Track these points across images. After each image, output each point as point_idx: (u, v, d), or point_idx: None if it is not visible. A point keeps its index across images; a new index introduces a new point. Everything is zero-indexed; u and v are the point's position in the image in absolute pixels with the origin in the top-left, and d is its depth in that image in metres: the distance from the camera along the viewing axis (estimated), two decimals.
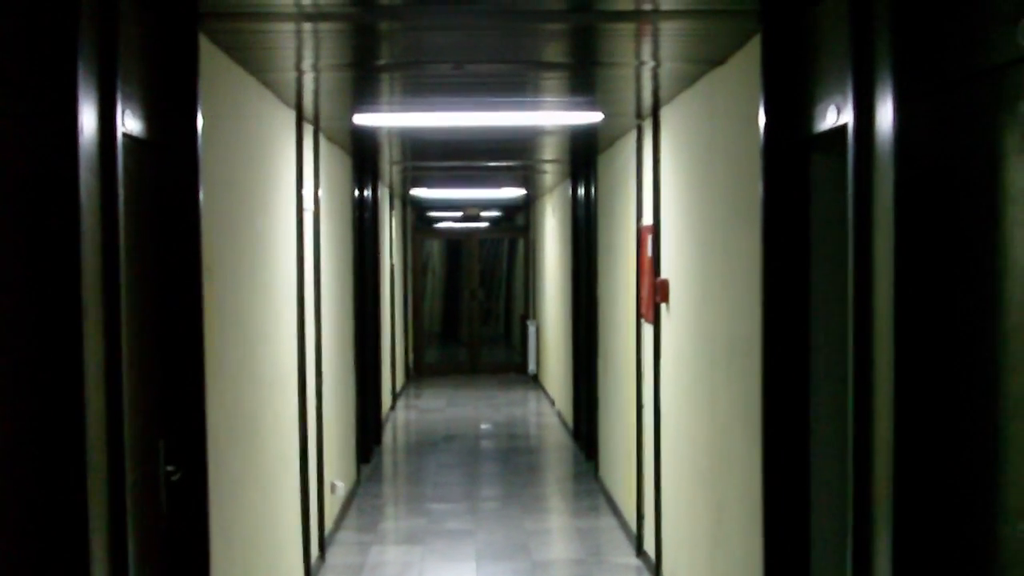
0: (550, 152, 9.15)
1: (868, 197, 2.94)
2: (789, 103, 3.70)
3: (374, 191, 10.58)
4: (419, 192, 13.40)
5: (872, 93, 2.92)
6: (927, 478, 2.70)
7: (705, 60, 4.69)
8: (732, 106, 4.57)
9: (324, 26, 3.98)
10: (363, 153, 8.80)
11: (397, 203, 14.41)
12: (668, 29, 4.16)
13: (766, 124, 3.76)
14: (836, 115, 3.28)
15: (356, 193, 9.22)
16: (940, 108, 2.71)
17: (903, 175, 2.73)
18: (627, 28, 4.17)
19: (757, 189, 3.90)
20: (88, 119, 2.74)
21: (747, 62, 4.25)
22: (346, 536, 7.45)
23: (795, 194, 3.70)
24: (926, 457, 2.70)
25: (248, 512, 4.71)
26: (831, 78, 3.32)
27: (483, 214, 17.56)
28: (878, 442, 2.85)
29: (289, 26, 3.95)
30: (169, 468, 3.58)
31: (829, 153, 3.63)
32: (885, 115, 2.81)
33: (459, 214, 17.27)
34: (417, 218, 17.68)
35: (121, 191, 2.92)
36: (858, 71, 2.99)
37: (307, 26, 3.96)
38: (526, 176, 11.68)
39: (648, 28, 4.16)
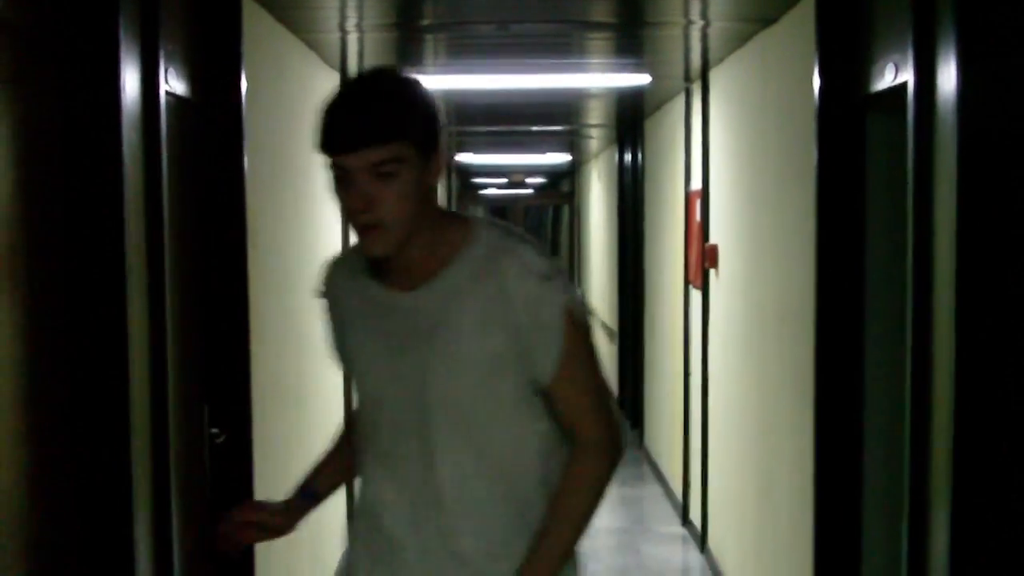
0: (596, 117, 9.04)
1: (929, 159, 2.84)
2: (844, 62, 3.59)
3: None
4: (464, 158, 13.34)
5: (934, 50, 2.81)
6: (988, 452, 2.62)
7: (756, 19, 4.58)
8: (784, 67, 4.45)
9: None
10: None
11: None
12: None
13: (821, 84, 3.66)
14: (895, 74, 3.17)
15: None
16: (1006, 67, 2.60)
17: (966, 136, 2.63)
18: None
19: (810, 152, 3.80)
20: (131, 77, 2.70)
21: (800, 20, 4.14)
22: None
23: (850, 156, 3.60)
24: (987, 430, 2.61)
25: (292, 476, 4.69)
26: (889, 35, 3.21)
27: (528, 180, 17.47)
28: (937, 414, 2.77)
29: None
30: (213, 431, 3.57)
31: (886, 113, 3.52)
32: (948, 73, 2.71)
33: (504, 180, 17.20)
34: (462, 184, 17.63)
35: (165, 151, 2.89)
36: (919, 27, 2.88)
37: None
38: (572, 141, 11.58)
39: None
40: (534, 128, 9.79)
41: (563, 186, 18.04)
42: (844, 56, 3.58)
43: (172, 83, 3.04)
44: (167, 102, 2.97)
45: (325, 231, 5.52)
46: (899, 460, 3.20)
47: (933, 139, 2.82)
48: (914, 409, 2.87)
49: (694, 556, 6.29)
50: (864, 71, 3.44)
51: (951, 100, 2.68)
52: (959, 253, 2.62)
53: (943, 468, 2.71)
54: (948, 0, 2.71)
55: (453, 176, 16.51)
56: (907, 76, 2.97)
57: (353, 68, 5.85)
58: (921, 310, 2.86)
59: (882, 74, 3.27)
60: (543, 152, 12.86)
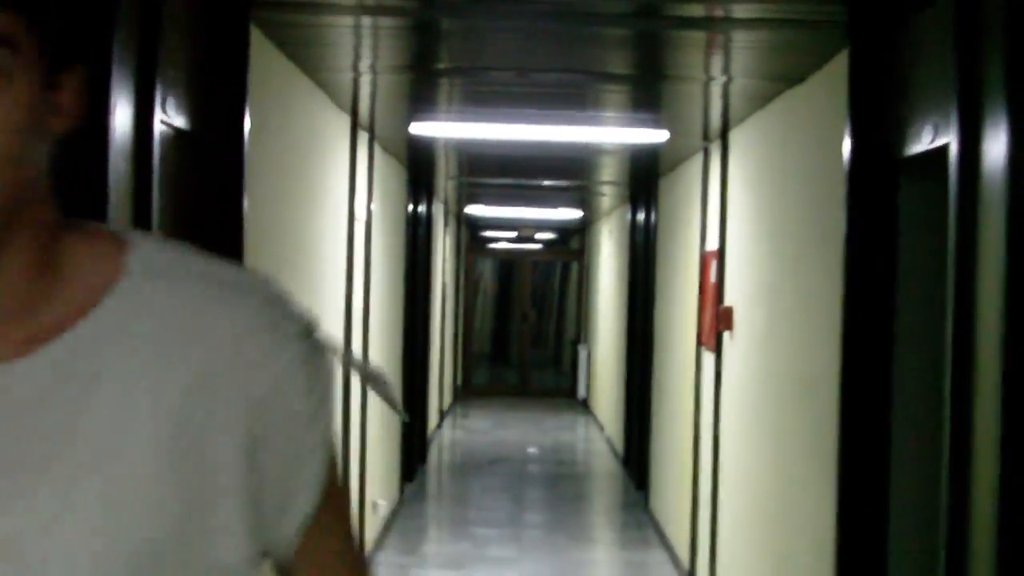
0: (610, 173, 8.92)
1: (972, 229, 2.65)
2: (878, 123, 3.42)
3: (428, 206, 10.40)
4: (473, 210, 13.22)
5: (980, 110, 2.64)
6: None
7: (782, 77, 4.42)
8: (810, 128, 4.29)
9: (383, 22, 3.78)
10: (419, 166, 8.62)
11: (451, 220, 14.24)
12: (742, 40, 3.90)
13: (852, 146, 3.49)
14: (932, 135, 3.00)
15: (410, 207, 9.03)
16: None
17: (1017, 205, 2.44)
18: (696, 37, 3.92)
19: (835, 216, 3.62)
20: (123, 104, 2.54)
21: (829, 80, 3.98)
22: (387, 557, 7.22)
23: (882, 222, 3.42)
24: None
25: None
26: (928, 94, 3.04)
27: (538, 235, 17.36)
28: (977, 495, 2.56)
29: (347, 20, 3.75)
30: None
31: (922, 178, 3.34)
32: (996, 136, 2.53)
33: (513, 234, 17.08)
34: (470, 237, 17.50)
35: (157, 184, 2.71)
36: (964, 84, 2.71)
37: (366, 21, 3.76)
38: (583, 198, 11.47)
39: (719, 38, 3.90)
40: (546, 182, 9.67)
41: (573, 243, 17.91)
42: (877, 117, 3.42)
43: (170, 113, 2.87)
44: (163, 133, 2.81)
45: (329, 277, 5.35)
46: (930, 539, 2.98)
47: (978, 207, 2.63)
48: (951, 489, 2.66)
49: None
50: (899, 133, 3.27)
51: (1000, 165, 2.50)
52: (1007, 329, 2.43)
53: (984, 553, 2.50)
54: (998, 55, 2.54)
55: (462, 227, 16.40)
56: (948, 138, 2.80)
57: (364, 110, 5.71)
58: (960, 390, 2.65)
59: (919, 136, 3.10)
60: (554, 207, 12.74)
